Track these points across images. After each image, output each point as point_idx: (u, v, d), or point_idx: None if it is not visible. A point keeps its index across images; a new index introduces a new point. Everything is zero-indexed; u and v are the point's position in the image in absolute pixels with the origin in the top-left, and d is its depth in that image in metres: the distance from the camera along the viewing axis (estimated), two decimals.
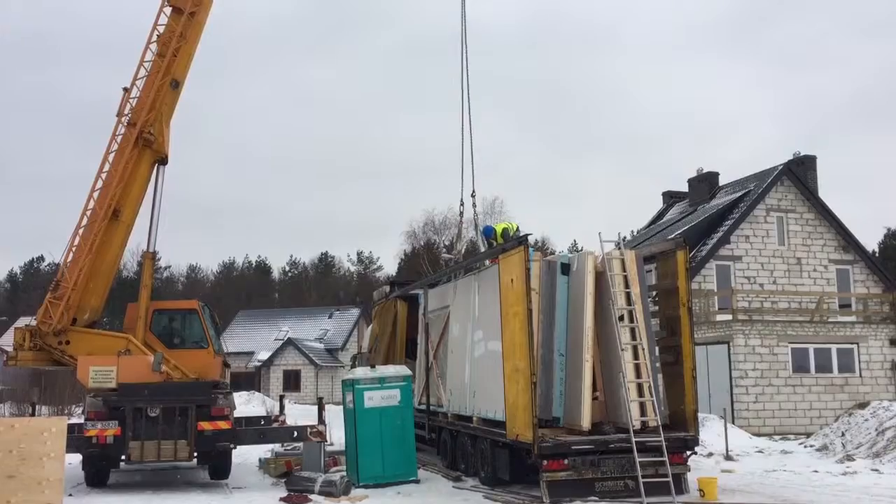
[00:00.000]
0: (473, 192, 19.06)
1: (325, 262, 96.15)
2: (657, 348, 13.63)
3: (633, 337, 13.08)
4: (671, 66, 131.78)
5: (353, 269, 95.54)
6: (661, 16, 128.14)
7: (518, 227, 17.48)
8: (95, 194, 16.06)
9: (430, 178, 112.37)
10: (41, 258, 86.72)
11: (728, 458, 18.31)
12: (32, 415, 18.77)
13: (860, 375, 25.44)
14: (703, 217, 30.27)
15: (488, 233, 17.42)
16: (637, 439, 12.24)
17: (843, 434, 18.98)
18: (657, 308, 14.61)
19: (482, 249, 17.63)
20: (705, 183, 33.37)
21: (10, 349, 16.73)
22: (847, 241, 29.93)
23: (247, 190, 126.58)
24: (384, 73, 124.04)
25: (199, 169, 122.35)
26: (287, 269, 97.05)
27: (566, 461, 12.33)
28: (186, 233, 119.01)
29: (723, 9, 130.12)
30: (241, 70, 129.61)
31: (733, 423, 22.70)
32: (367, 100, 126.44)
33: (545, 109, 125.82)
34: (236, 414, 22.04)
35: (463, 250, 23.12)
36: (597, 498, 12.30)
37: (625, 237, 47.29)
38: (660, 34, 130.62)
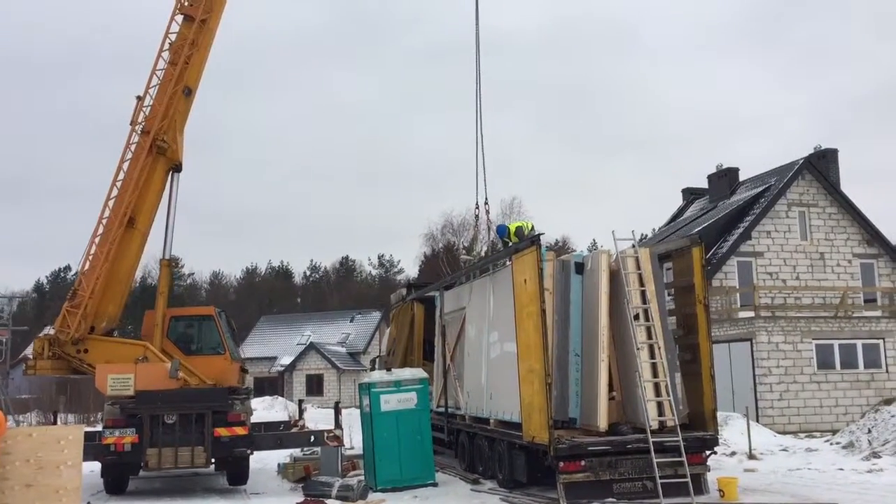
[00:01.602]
0: (486, 200, 18.88)
1: (346, 266, 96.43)
2: (674, 347, 13.45)
3: (649, 336, 12.93)
4: (692, 66, 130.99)
5: (374, 272, 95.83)
6: (682, 15, 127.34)
7: (533, 227, 17.34)
8: (111, 203, 16.15)
9: (449, 181, 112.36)
10: (68, 268, 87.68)
11: (751, 456, 18.06)
12: (54, 423, 18.93)
13: (887, 371, 25.00)
14: (724, 213, 29.93)
15: (502, 232, 17.31)
16: (654, 439, 12.09)
17: (869, 431, 18.64)
18: (674, 306, 14.43)
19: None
20: (725, 179, 33.00)
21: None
22: (871, 234, 29.46)
23: (269, 196, 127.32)
24: (406, 78, 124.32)
25: (223, 177, 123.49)
26: (308, 273, 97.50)
27: (583, 462, 12.19)
28: (210, 240, 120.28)
29: (742, 7, 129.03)
30: (265, 80, 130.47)
31: (757, 421, 22.42)
32: (388, 105, 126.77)
33: (566, 110, 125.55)
34: (258, 419, 22.20)
35: (483, 252, 23.01)
36: (614, 499, 12.17)
37: (645, 235, 46.99)
38: (680, 34, 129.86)
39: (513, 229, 16.98)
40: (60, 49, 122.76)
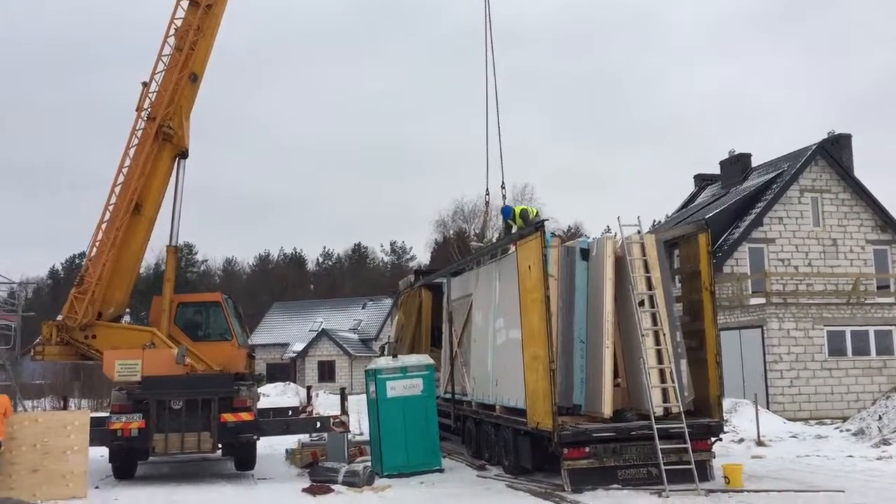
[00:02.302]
0: (503, 184, 18.67)
1: (359, 252, 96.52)
2: (679, 333, 13.37)
3: (655, 322, 12.87)
4: (709, 55, 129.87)
5: (386, 259, 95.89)
6: (700, 4, 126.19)
7: (538, 212, 17.17)
8: (117, 189, 16.20)
9: (464, 169, 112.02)
10: (82, 254, 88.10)
11: (760, 443, 17.96)
12: (65, 408, 19.07)
13: None
14: (736, 199, 29.70)
15: (507, 213, 17.11)
16: (659, 426, 12.04)
17: (879, 418, 18.49)
18: (680, 293, 14.34)
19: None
20: (738, 165, 32.73)
21: None
22: (884, 220, 29.17)
23: (284, 184, 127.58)
24: (425, 67, 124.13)
25: (236, 165, 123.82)
26: (321, 260, 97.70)
27: (587, 449, 12.17)
28: (224, 227, 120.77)
29: None
30: (283, 69, 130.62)
31: (768, 408, 22.31)
32: (406, 94, 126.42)
33: (582, 99, 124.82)
34: (271, 405, 22.30)
35: (494, 238, 22.91)
36: (619, 486, 12.14)
37: (659, 221, 46.72)
38: (698, 22, 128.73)
39: (518, 212, 16.82)
40: (87, 40, 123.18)
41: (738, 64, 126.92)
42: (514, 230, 16.15)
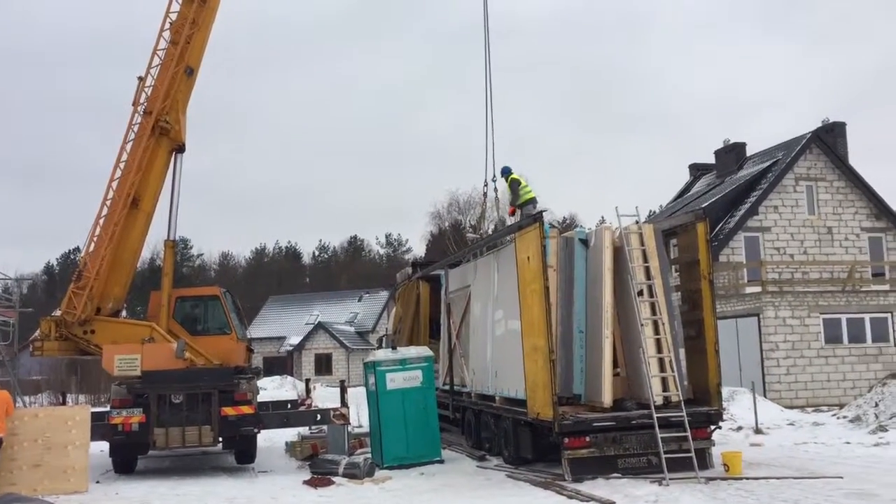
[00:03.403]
0: (495, 177, 18.64)
1: (355, 245, 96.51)
2: (679, 322, 13.42)
3: (653, 311, 12.91)
4: (704, 46, 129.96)
5: (382, 251, 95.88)
6: None
7: (528, 187, 16.85)
8: (114, 184, 16.15)
9: (461, 162, 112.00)
10: (77, 250, 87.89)
11: (758, 431, 18.07)
12: (63, 403, 19.09)
13: (894, 345, 24.92)
14: (731, 188, 29.78)
15: (505, 171, 16.95)
16: (659, 415, 12.09)
17: (876, 405, 18.62)
18: (679, 282, 14.39)
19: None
20: (732, 154, 32.80)
21: None
22: (879, 208, 29.29)
23: (277, 177, 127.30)
24: (422, 60, 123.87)
25: (231, 159, 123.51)
26: (317, 253, 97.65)
27: (588, 438, 12.22)
28: (220, 221, 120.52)
29: None
30: (277, 63, 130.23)
31: (765, 396, 22.41)
32: (404, 88, 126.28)
33: (579, 90, 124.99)
34: (266, 398, 22.31)
35: (490, 230, 22.90)
36: (619, 475, 12.19)
37: (653, 211, 46.76)
38: (694, 14, 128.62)
39: (513, 176, 16.70)
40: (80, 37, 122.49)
41: (734, 54, 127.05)
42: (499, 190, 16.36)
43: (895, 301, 25.39)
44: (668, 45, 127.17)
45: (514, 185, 16.55)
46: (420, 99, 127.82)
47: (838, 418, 19.26)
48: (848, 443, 16.04)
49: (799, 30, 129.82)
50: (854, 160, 29.77)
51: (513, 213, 17.05)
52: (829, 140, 29.33)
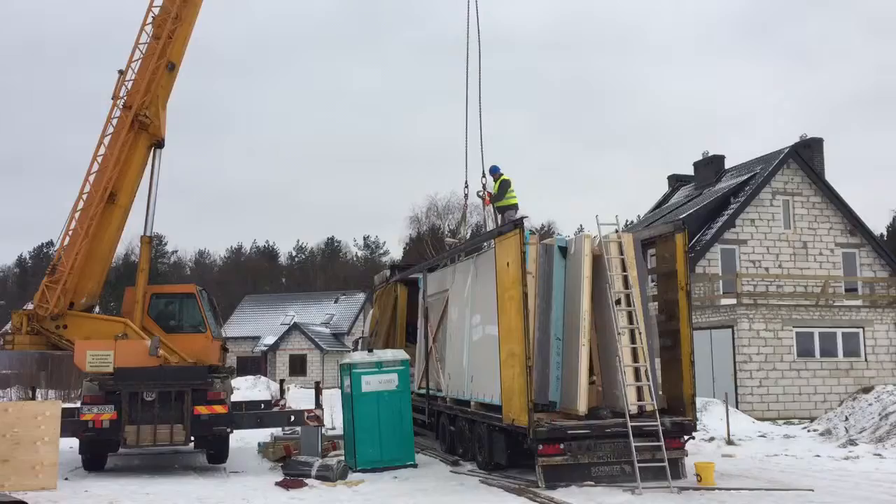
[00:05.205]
0: (484, 174, 18.50)
1: (332, 247, 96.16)
2: (655, 332, 13.48)
3: (630, 321, 12.96)
4: (690, 63, 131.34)
5: (359, 254, 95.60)
6: (682, 14, 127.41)
7: (512, 190, 16.94)
8: (92, 178, 15.98)
9: (442, 168, 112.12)
10: (50, 243, 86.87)
11: (730, 442, 18.19)
12: (32, 398, 18.80)
13: (865, 360, 25.20)
14: (709, 200, 29.98)
15: (494, 170, 17.04)
16: (633, 424, 12.13)
17: (846, 418, 18.81)
18: (656, 292, 14.45)
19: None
20: (711, 166, 33.06)
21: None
22: (854, 224, 29.63)
23: (255, 177, 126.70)
24: (407, 69, 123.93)
25: (209, 157, 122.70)
26: (294, 254, 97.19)
27: (562, 446, 12.23)
28: (198, 219, 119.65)
29: (741, 6, 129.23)
30: (259, 65, 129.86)
31: (737, 407, 22.56)
32: (388, 95, 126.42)
33: (564, 105, 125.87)
34: (240, 398, 22.13)
35: (468, 235, 22.90)
36: (593, 483, 12.22)
37: (630, 221, 47.00)
38: (680, 32, 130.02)
39: (504, 177, 16.79)
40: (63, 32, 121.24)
41: (715, 72, 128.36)
42: (485, 190, 16.72)
43: (867, 316, 25.70)
44: (652, 59, 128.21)
45: (504, 185, 16.66)
46: (402, 105, 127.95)
47: (809, 431, 19.44)
48: (818, 456, 16.18)
49: (779, 48, 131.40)
50: (830, 177, 30.14)
51: (488, 205, 17.22)
52: (806, 155, 29.64)
